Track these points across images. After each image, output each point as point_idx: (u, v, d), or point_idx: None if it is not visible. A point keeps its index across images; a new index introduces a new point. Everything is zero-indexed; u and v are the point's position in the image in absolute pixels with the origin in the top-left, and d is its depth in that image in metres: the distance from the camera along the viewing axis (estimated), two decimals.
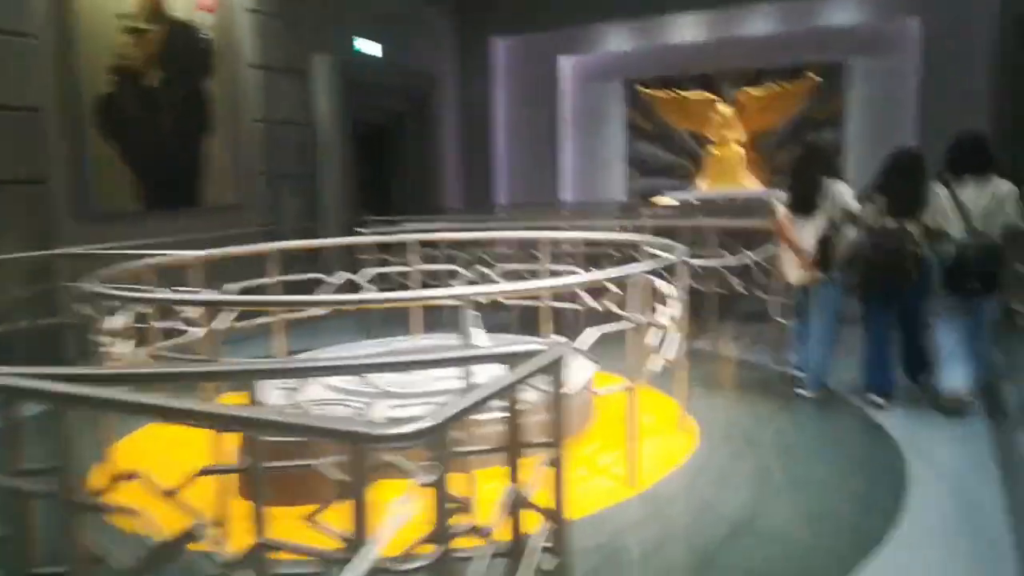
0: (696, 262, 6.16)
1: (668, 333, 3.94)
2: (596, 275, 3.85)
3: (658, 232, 6.38)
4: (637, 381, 3.73)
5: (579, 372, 4.06)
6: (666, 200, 11.95)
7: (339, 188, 9.54)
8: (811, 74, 11.07)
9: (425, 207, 11.03)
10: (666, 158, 12.68)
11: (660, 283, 4.05)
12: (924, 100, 10.27)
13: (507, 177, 13.21)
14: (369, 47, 10.32)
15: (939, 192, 4.58)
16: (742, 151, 11.69)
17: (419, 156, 11.55)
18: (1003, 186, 4.49)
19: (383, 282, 6.15)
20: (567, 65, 12.76)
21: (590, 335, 3.53)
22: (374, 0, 10.44)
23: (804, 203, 4.85)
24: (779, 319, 5.93)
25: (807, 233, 4.82)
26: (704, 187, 12.00)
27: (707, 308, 6.49)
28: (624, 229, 7.86)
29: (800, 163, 5.07)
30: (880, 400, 4.70)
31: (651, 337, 3.85)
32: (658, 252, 4.57)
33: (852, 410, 4.74)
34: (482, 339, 3.43)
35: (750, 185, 11.76)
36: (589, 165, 12.95)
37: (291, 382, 3.57)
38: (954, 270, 4.47)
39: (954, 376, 4.54)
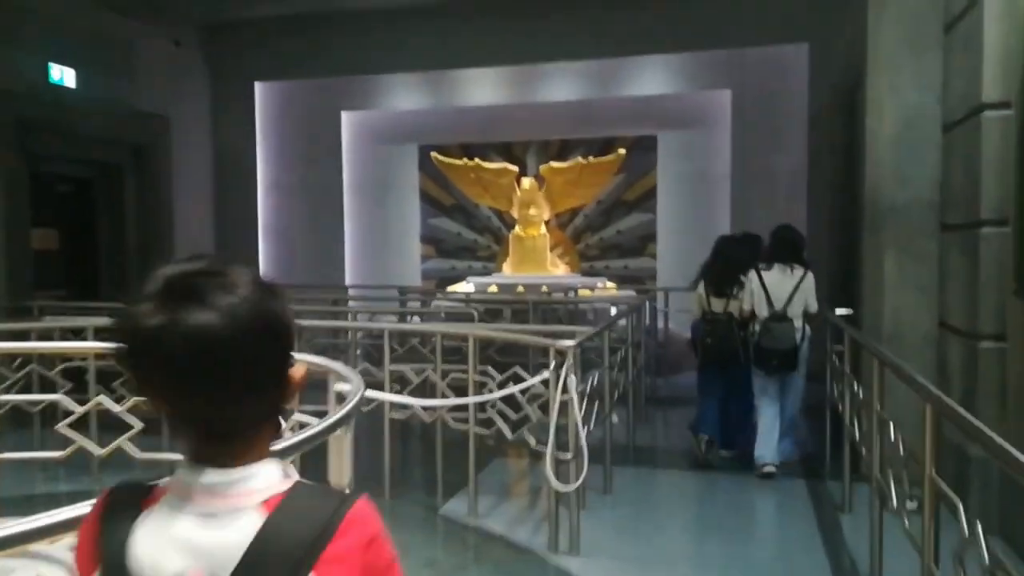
0: (418, 404, 4.32)
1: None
2: None
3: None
4: None
5: None
6: (462, 287, 10.18)
7: None
8: (620, 149, 9.88)
9: None
10: (468, 237, 10.99)
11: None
12: (737, 177, 9.29)
13: (278, 250, 10.94)
14: (66, 76, 7.88)
15: (751, 278, 5.28)
16: (546, 233, 10.21)
17: (145, 220, 9.04)
18: (805, 276, 5.25)
19: None
20: (353, 122, 10.89)
21: None
22: (75, 18, 8.06)
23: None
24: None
25: None
26: (508, 272, 10.36)
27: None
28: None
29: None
30: (708, 440, 5.50)
31: None
32: (343, 387, 2.74)
33: None
34: None
35: (557, 271, 10.26)
36: (379, 241, 10.97)
37: None
38: (758, 348, 5.19)
39: (765, 446, 5.18)
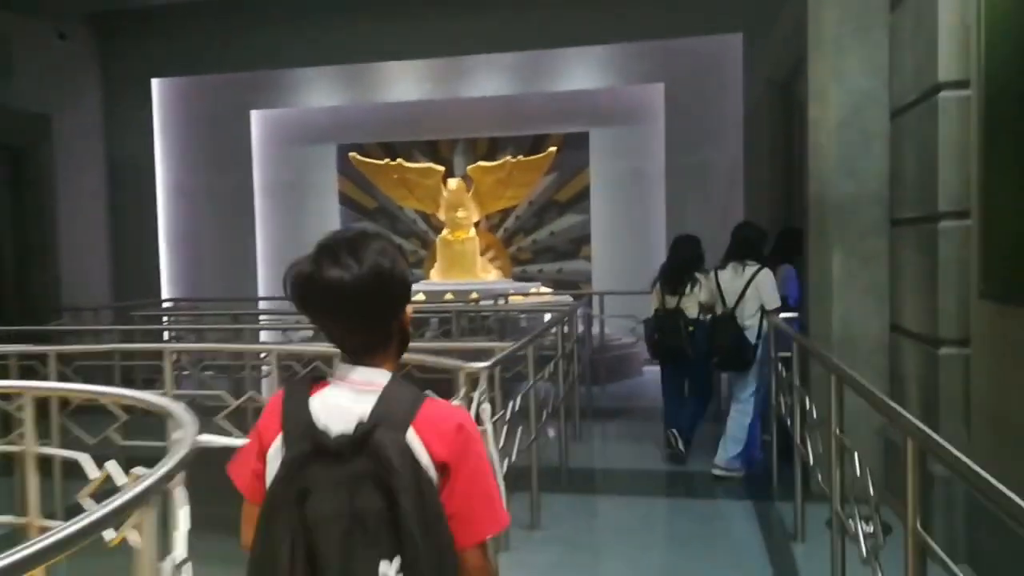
0: None
1: None
2: None
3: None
4: None
5: None
6: None
7: None
8: (551, 146, 9.38)
9: (29, 307, 7.60)
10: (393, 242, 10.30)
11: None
12: (672, 175, 8.89)
13: (183, 260, 10.07)
14: None
15: (710, 277, 5.23)
16: (475, 236, 9.64)
17: (23, 229, 8.11)
18: (759, 272, 5.03)
19: None
20: (264, 121, 10.11)
21: None
22: None
23: None
24: None
25: None
26: (436, 278, 9.74)
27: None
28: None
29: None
30: (675, 434, 5.40)
31: None
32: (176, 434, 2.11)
33: None
34: None
35: (488, 277, 9.69)
36: (294, 248, 10.07)
37: None
38: (708, 346, 5.17)
39: (721, 447, 5.12)
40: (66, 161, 8.61)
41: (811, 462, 3.64)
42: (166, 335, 6.76)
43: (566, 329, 6.11)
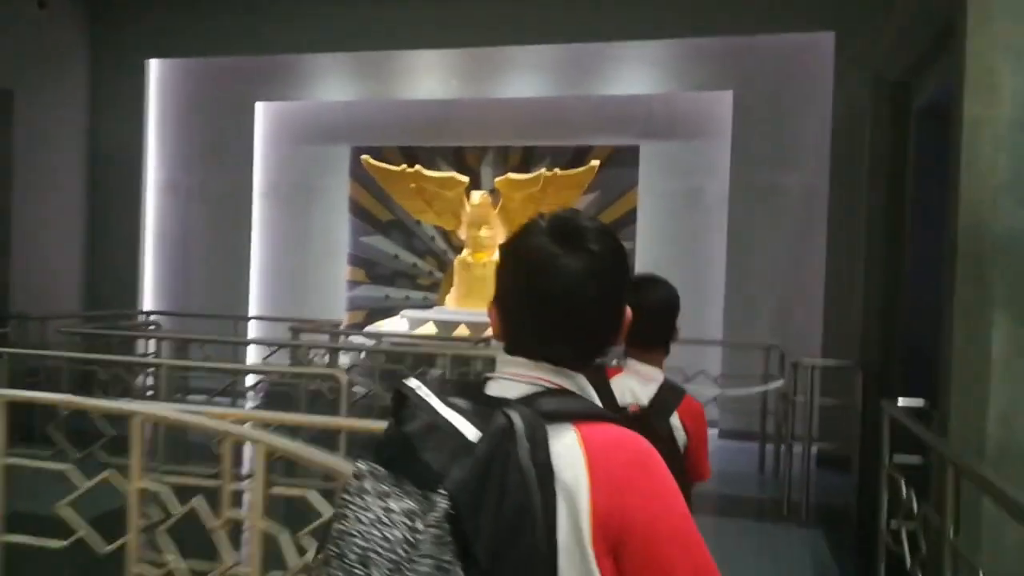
0: None
1: None
2: None
3: None
4: None
5: None
6: (393, 324, 8.21)
7: None
8: (594, 160, 7.99)
9: None
10: (407, 260, 9.03)
11: None
12: (738, 198, 7.41)
13: (170, 265, 8.91)
14: None
15: None
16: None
17: None
18: None
19: None
20: (270, 115, 8.94)
21: None
22: None
23: None
24: None
25: None
26: (451, 306, 8.39)
27: None
28: None
29: None
30: None
31: None
32: None
33: None
34: None
35: None
36: (295, 260, 8.97)
37: None
38: None
39: None
40: (31, 144, 7.51)
41: None
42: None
43: None
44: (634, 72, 7.88)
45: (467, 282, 8.22)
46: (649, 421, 1.86)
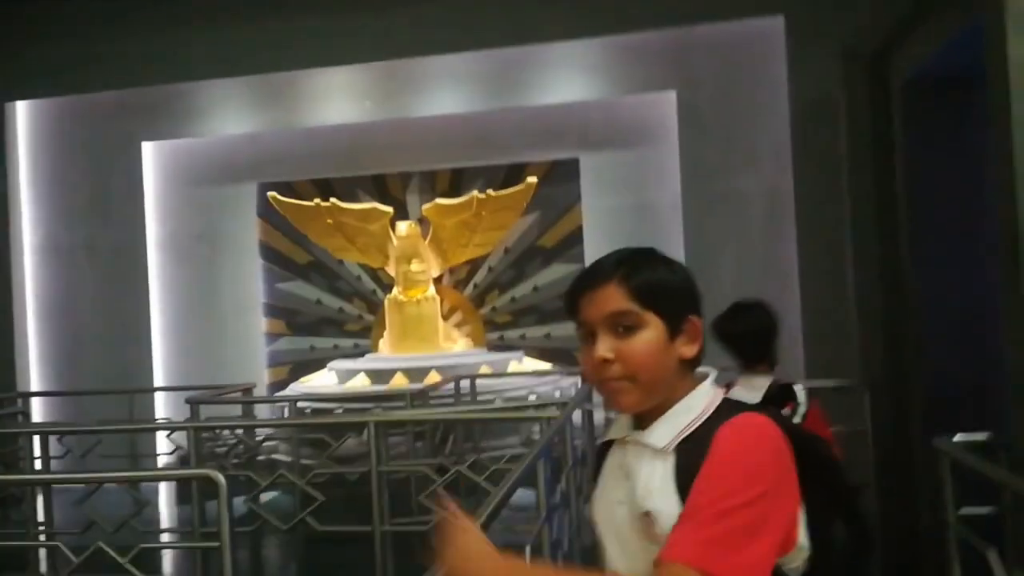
0: None
1: None
2: None
3: None
4: None
5: None
6: (319, 379, 7.24)
7: None
8: (531, 177, 7.22)
9: None
10: (331, 305, 8.05)
11: None
12: (692, 207, 6.72)
13: (58, 339, 7.71)
14: None
15: None
16: (436, 295, 7.39)
17: None
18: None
19: None
20: (161, 155, 7.88)
21: None
22: None
23: None
24: None
25: None
26: (386, 351, 7.44)
27: None
28: None
29: None
30: None
31: None
32: None
33: None
34: None
35: (454, 347, 7.41)
36: (205, 319, 7.86)
37: None
38: None
39: None
40: None
41: None
42: None
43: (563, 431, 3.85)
44: (566, 78, 7.15)
45: (401, 323, 7.30)
46: None
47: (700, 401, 1.15)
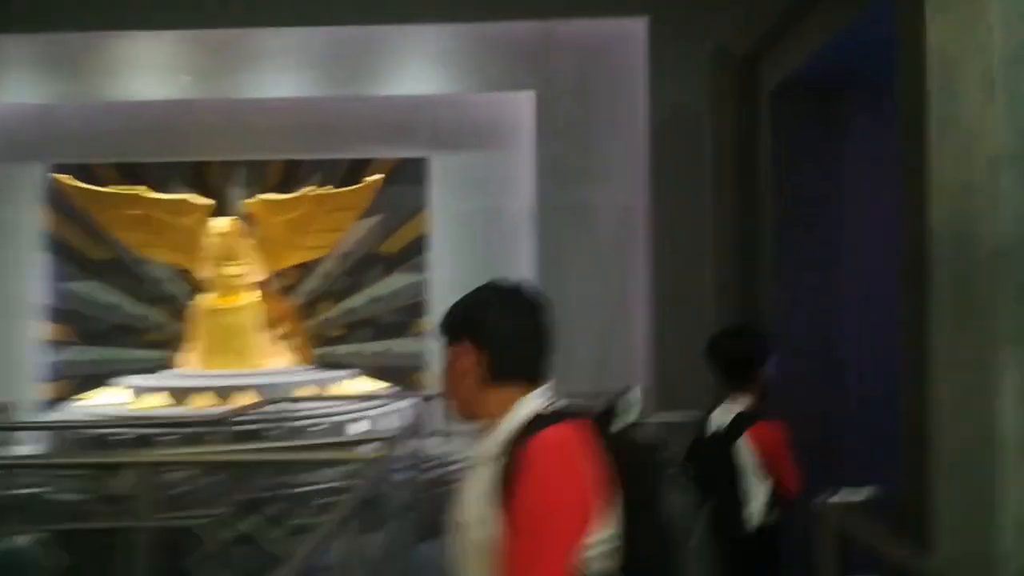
0: None
1: None
2: None
3: None
4: None
5: None
6: (108, 398, 6.09)
7: None
8: (375, 175, 6.48)
9: None
10: (130, 311, 6.90)
11: None
12: (547, 216, 6.24)
13: None
14: None
15: None
16: (258, 302, 6.45)
17: None
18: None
19: None
20: None
21: None
22: None
23: None
24: None
25: None
26: (194, 366, 6.40)
27: None
28: None
29: None
30: None
31: None
32: None
33: None
34: None
35: (271, 362, 6.47)
36: None
37: None
38: None
39: None
40: None
41: None
42: None
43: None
44: (419, 67, 6.49)
45: (213, 334, 6.31)
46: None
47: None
